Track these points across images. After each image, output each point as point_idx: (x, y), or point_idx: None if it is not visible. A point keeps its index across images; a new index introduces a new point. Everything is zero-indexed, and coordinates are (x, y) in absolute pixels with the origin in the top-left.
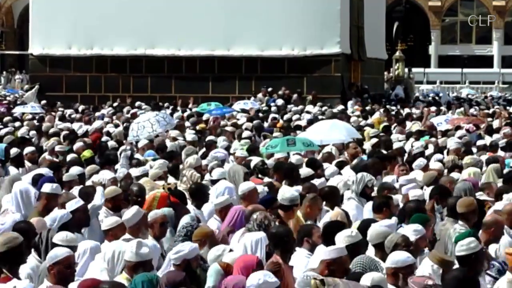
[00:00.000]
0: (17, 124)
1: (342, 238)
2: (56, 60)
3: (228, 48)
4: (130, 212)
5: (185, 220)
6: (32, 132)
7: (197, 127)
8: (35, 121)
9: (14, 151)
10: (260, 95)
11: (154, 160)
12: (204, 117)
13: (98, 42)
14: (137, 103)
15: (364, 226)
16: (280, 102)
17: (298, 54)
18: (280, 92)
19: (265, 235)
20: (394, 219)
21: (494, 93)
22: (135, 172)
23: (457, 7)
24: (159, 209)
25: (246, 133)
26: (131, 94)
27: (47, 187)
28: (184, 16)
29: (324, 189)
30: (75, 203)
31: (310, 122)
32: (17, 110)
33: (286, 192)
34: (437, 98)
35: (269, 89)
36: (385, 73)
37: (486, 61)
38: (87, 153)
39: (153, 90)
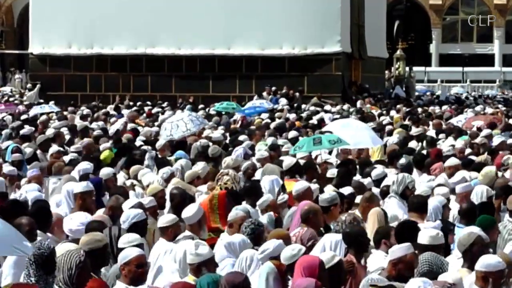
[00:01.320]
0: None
1: (426, 237)
2: (56, 59)
3: (228, 47)
4: (191, 210)
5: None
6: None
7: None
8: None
9: (29, 150)
10: (264, 94)
11: (176, 159)
12: (235, 117)
13: (98, 41)
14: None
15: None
16: (284, 101)
17: (298, 53)
18: (284, 91)
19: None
20: (438, 222)
21: (489, 92)
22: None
23: (458, 5)
24: (220, 208)
25: (292, 133)
26: (132, 93)
27: (78, 187)
28: (185, 15)
29: (382, 188)
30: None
31: (322, 121)
32: (34, 111)
33: (324, 193)
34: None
35: (273, 88)
36: (386, 72)
37: (487, 60)
38: (108, 155)
39: (154, 89)
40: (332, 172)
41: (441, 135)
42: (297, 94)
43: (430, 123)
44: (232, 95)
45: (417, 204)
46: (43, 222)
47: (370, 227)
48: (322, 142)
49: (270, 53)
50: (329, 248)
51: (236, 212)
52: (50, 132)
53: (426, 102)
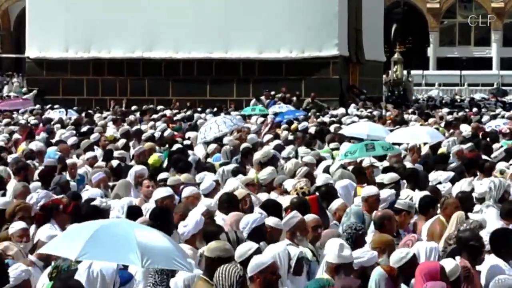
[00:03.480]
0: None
1: None
2: (53, 63)
3: (226, 50)
4: (287, 217)
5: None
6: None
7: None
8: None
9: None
10: (262, 99)
11: (222, 164)
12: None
13: (95, 45)
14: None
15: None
16: (281, 104)
17: (296, 57)
18: (280, 95)
19: (437, 245)
20: None
21: (477, 95)
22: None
23: (456, 9)
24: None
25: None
26: (128, 97)
27: (187, 191)
28: (182, 18)
29: (458, 194)
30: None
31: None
32: (54, 115)
33: (403, 197)
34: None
35: (272, 93)
36: (383, 76)
37: (485, 63)
38: (156, 161)
39: (151, 93)
40: (381, 177)
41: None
42: (294, 98)
43: (468, 126)
44: (230, 99)
45: (508, 210)
46: (165, 227)
47: (449, 230)
48: (375, 148)
49: (268, 56)
50: (424, 255)
51: (306, 216)
52: (95, 135)
53: (432, 106)
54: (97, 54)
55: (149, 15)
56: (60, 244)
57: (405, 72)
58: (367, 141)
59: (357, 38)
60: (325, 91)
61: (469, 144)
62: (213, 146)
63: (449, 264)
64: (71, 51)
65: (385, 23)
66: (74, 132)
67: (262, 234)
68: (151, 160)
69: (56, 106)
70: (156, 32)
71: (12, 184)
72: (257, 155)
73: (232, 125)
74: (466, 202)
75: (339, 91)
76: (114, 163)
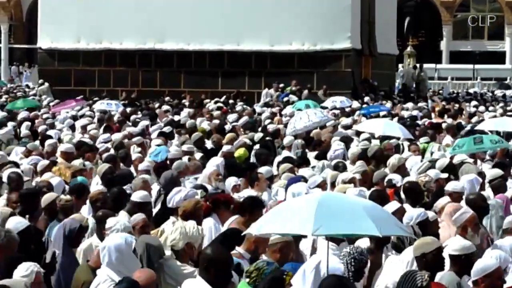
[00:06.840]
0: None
1: None
2: (64, 54)
3: (238, 42)
4: (459, 212)
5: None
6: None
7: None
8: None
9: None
10: (272, 91)
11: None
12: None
13: (107, 36)
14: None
15: None
16: (293, 97)
17: (308, 49)
18: (293, 88)
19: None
20: None
21: (473, 90)
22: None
23: (469, 2)
24: None
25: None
26: (140, 89)
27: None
28: (194, 10)
29: None
30: None
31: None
32: (99, 106)
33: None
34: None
35: (281, 85)
36: (401, 67)
37: (498, 57)
38: (243, 154)
39: (162, 85)
40: (491, 174)
41: None
42: (306, 91)
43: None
44: (241, 92)
45: None
46: None
47: None
48: (484, 142)
49: (280, 49)
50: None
51: (467, 210)
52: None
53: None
54: (109, 45)
55: (161, 6)
56: (281, 223)
57: (417, 65)
58: (476, 135)
59: (370, 31)
60: (337, 84)
61: None
62: (289, 138)
63: None
64: (83, 42)
65: (398, 16)
66: (163, 125)
67: (426, 228)
68: (238, 153)
69: (95, 98)
70: (168, 24)
71: None
72: (353, 149)
73: (322, 116)
74: None
75: (352, 84)
76: (197, 156)
